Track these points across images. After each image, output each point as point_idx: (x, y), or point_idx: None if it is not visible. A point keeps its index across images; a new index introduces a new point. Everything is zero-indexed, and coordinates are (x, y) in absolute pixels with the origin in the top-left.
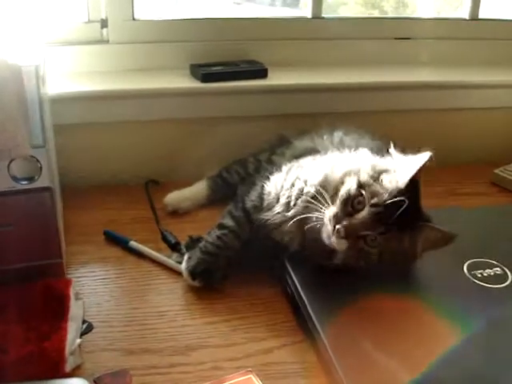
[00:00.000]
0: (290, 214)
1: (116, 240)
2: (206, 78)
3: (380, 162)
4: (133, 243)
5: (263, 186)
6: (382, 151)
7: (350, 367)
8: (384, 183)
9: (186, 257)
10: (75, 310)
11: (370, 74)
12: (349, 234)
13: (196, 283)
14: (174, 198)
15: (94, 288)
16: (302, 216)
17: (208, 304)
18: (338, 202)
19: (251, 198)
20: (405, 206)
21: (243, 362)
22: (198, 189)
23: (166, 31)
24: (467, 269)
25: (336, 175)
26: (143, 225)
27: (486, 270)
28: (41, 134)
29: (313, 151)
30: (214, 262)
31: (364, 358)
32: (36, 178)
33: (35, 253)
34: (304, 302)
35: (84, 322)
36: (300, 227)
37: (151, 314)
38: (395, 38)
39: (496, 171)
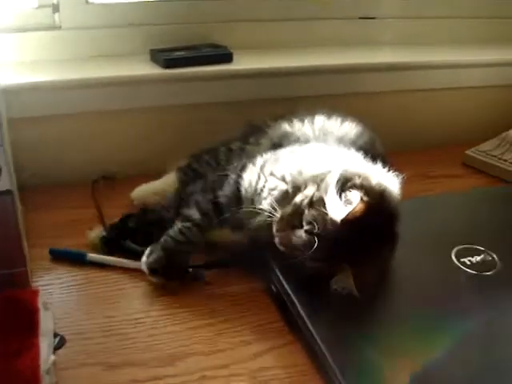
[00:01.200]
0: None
1: (68, 257)
2: (168, 64)
3: (353, 172)
4: (92, 256)
5: (238, 181)
6: (363, 136)
7: (348, 367)
8: (329, 211)
9: (147, 251)
10: (45, 322)
11: (336, 55)
12: (283, 245)
13: (156, 279)
14: (141, 192)
15: (61, 296)
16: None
17: (188, 307)
18: (290, 207)
19: (225, 193)
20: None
21: (233, 369)
22: (167, 182)
23: (123, 15)
24: (455, 256)
25: (303, 175)
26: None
27: (474, 257)
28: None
29: (292, 137)
30: (174, 258)
31: (361, 355)
32: None
33: None
34: (292, 300)
35: (55, 335)
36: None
37: (128, 321)
38: (360, 18)
39: (467, 152)
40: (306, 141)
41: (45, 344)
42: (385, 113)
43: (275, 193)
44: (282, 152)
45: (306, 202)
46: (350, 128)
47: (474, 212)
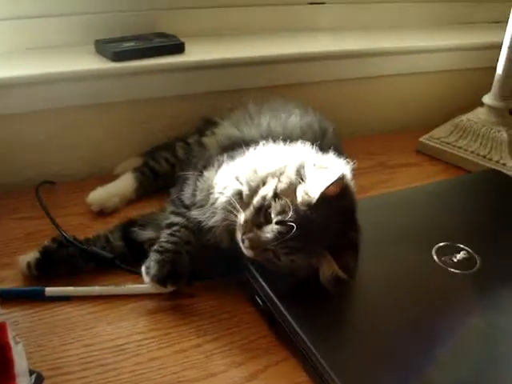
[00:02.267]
0: (215, 216)
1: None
2: (117, 57)
3: (310, 163)
4: (51, 290)
5: (196, 181)
6: (312, 128)
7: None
8: (298, 197)
9: (143, 270)
10: (18, 360)
11: (287, 43)
12: (254, 246)
13: (169, 288)
14: (98, 196)
15: (29, 326)
16: (224, 220)
17: (172, 327)
18: (251, 207)
19: (186, 196)
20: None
21: None
22: (124, 183)
23: (60, 2)
24: (436, 255)
25: (259, 174)
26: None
27: (455, 255)
28: None
29: (240, 141)
30: (177, 259)
31: (361, 363)
32: None
33: None
34: (284, 314)
35: (31, 372)
36: (228, 229)
37: (108, 349)
38: (309, 3)
39: (421, 140)
40: (255, 143)
41: None
42: (336, 101)
43: (229, 192)
44: (236, 153)
45: (269, 195)
46: (296, 123)
47: (443, 206)
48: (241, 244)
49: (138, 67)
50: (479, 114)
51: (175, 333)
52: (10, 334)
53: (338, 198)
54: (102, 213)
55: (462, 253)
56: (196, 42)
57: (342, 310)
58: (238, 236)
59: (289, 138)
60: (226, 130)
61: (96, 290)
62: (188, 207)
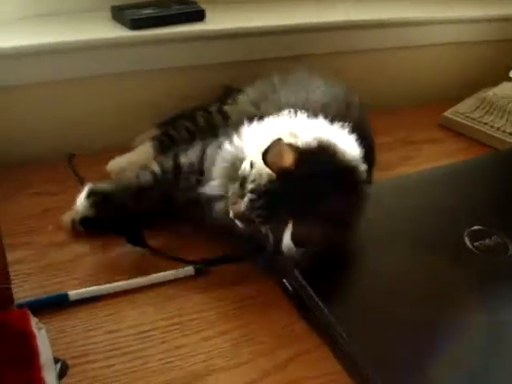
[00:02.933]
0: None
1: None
2: (135, 25)
3: (286, 131)
4: (75, 293)
5: (204, 149)
6: (337, 101)
7: (386, 368)
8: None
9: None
10: (43, 348)
11: (313, 12)
12: (237, 216)
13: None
14: (116, 164)
15: (50, 311)
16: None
17: (196, 312)
18: (238, 180)
19: (189, 159)
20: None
21: None
22: (143, 151)
23: None
24: (469, 240)
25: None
26: None
27: (486, 240)
28: None
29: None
30: (116, 199)
31: (396, 352)
32: None
33: None
34: (315, 300)
35: (56, 360)
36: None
37: (134, 336)
38: None
39: (446, 114)
40: (278, 108)
41: (50, 377)
42: (360, 72)
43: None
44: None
45: (248, 166)
46: (318, 98)
47: (471, 187)
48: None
49: (157, 36)
50: (506, 88)
51: (200, 319)
52: (33, 321)
53: (303, 166)
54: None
55: (493, 237)
56: (216, 9)
57: (377, 296)
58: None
59: (309, 112)
60: (246, 102)
61: (121, 285)
62: (179, 167)
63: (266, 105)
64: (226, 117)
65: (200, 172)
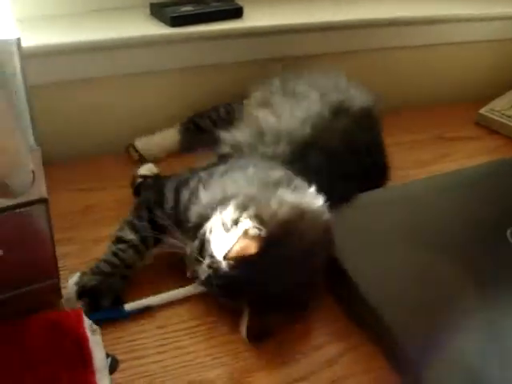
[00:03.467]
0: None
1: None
2: (175, 22)
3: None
4: (130, 306)
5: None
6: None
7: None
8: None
9: (75, 276)
10: (96, 351)
11: (346, 10)
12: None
13: (78, 304)
14: (141, 143)
15: None
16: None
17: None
18: (197, 240)
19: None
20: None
21: (312, 380)
22: (169, 134)
23: None
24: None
25: (209, 203)
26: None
27: None
28: (32, 133)
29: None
30: (108, 283)
31: (444, 350)
32: (24, 190)
33: (28, 276)
34: (363, 297)
35: (106, 355)
36: None
37: (182, 332)
38: None
39: (481, 112)
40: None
41: (104, 382)
42: (394, 69)
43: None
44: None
45: (207, 233)
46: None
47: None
48: None
49: (196, 33)
50: None
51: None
52: (87, 323)
53: (268, 251)
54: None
55: None
56: (254, 6)
57: (423, 290)
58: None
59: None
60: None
61: (180, 292)
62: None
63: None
64: (243, 109)
65: (175, 222)
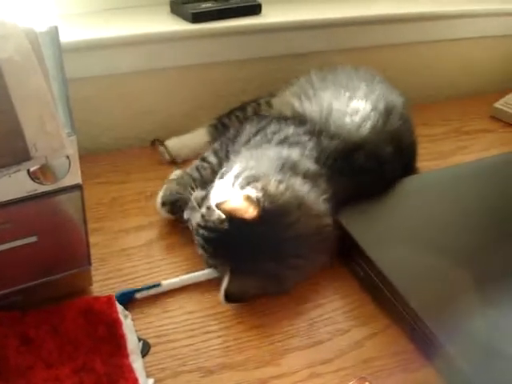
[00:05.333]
0: None
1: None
2: (196, 18)
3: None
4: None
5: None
6: (377, 109)
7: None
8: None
9: (164, 186)
10: (129, 335)
11: (364, 6)
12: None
13: (162, 211)
14: (171, 145)
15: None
16: None
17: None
18: (204, 190)
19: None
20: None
21: (339, 363)
22: (198, 135)
23: None
24: None
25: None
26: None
27: None
28: (69, 119)
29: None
30: (185, 190)
31: (471, 331)
32: (62, 176)
33: (61, 262)
34: (389, 281)
35: (138, 339)
36: None
37: (211, 317)
38: None
39: (496, 105)
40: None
41: (138, 364)
42: (409, 65)
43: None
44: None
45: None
46: (359, 107)
47: None
48: None
49: (216, 29)
50: None
51: (275, 301)
52: (119, 308)
53: (260, 221)
54: (174, 162)
55: None
56: (273, 2)
57: (450, 275)
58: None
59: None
60: (289, 95)
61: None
62: (228, 157)
63: (307, 103)
64: (271, 108)
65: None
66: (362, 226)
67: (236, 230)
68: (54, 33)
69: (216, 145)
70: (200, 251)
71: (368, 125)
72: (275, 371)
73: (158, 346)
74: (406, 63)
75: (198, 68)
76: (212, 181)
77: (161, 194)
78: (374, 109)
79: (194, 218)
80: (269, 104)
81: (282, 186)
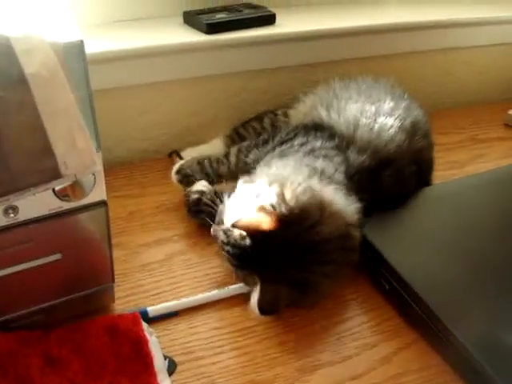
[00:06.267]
0: None
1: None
2: (210, 29)
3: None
4: (152, 309)
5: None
6: (403, 126)
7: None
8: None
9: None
10: (156, 353)
11: (379, 15)
12: (214, 238)
13: (174, 177)
14: (187, 155)
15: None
16: None
17: (296, 310)
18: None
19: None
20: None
21: (368, 379)
22: (214, 146)
23: None
24: None
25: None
26: (174, 213)
27: None
28: (94, 135)
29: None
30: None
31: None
32: (88, 192)
33: (85, 279)
34: (417, 295)
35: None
36: None
37: (238, 332)
38: None
39: (510, 112)
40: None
41: (166, 383)
42: (425, 72)
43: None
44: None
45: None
46: (387, 124)
47: None
48: None
49: (231, 40)
50: None
51: (300, 316)
52: (144, 325)
53: (284, 229)
54: None
55: None
56: (286, 12)
57: (477, 285)
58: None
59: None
60: (310, 108)
61: (199, 298)
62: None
63: (332, 111)
64: (289, 120)
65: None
66: (387, 238)
67: (259, 241)
68: (79, 46)
69: (242, 146)
70: (228, 265)
71: (395, 143)
72: None
73: (184, 364)
74: (421, 71)
75: (212, 79)
76: (225, 177)
77: (182, 162)
78: (401, 126)
79: (218, 234)
80: (286, 115)
81: (300, 189)
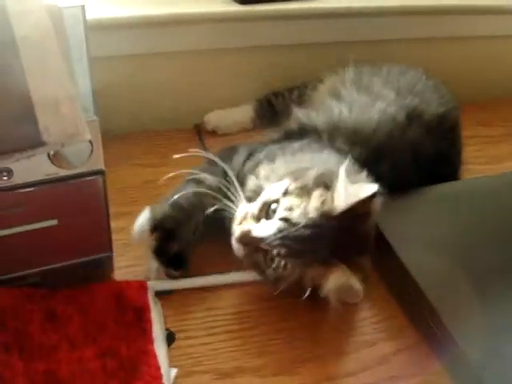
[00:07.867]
0: None
1: None
2: (246, 0)
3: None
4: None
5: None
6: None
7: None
8: (313, 200)
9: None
10: (157, 323)
11: None
12: (245, 241)
13: (151, 239)
14: (214, 115)
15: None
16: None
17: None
18: (258, 200)
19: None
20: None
21: (363, 377)
22: (243, 109)
23: None
24: None
25: (280, 170)
26: None
27: None
28: (92, 103)
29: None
30: (184, 223)
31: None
32: (85, 159)
33: (81, 247)
34: (423, 295)
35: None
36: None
37: (234, 316)
38: None
39: None
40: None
41: (161, 351)
42: (471, 60)
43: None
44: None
45: (279, 192)
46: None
47: None
48: (233, 237)
49: (267, 11)
50: None
51: (301, 305)
52: (150, 294)
53: (360, 218)
54: (214, 133)
55: None
56: None
57: (488, 297)
58: (232, 228)
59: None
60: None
61: (198, 281)
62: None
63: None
64: (316, 92)
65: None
66: (398, 230)
67: (333, 223)
68: (79, 10)
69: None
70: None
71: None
72: (293, 380)
73: (176, 341)
74: (468, 59)
75: (243, 51)
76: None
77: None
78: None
79: (259, 227)
80: (315, 88)
81: None
